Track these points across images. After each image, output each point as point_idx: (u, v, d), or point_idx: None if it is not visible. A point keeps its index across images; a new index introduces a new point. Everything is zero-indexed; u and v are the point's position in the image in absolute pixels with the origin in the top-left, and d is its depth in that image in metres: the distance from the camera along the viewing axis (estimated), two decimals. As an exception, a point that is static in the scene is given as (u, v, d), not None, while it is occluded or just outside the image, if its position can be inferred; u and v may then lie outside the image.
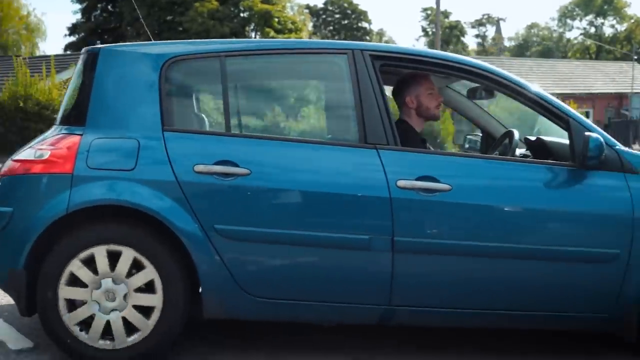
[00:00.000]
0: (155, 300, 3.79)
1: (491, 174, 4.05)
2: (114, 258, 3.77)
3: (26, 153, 3.95)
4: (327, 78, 4.71)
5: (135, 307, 3.80)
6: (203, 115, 4.62)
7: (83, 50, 4.26)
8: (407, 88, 4.61)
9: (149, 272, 3.77)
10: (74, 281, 3.77)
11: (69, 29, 47.78)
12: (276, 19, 41.43)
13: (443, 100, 5.20)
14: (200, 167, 3.79)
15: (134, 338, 3.80)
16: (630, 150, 4.16)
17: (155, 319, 3.80)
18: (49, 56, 23.32)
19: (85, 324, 3.79)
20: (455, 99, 5.49)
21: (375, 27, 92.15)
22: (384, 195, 3.81)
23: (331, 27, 70.71)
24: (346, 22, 69.76)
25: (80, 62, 4.19)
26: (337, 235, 3.83)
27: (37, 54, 43.17)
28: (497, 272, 3.93)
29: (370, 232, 3.83)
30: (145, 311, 3.80)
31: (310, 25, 45.19)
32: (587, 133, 3.90)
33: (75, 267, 3.75)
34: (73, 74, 4.31)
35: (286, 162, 3.92)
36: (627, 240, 3.90)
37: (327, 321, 4.20)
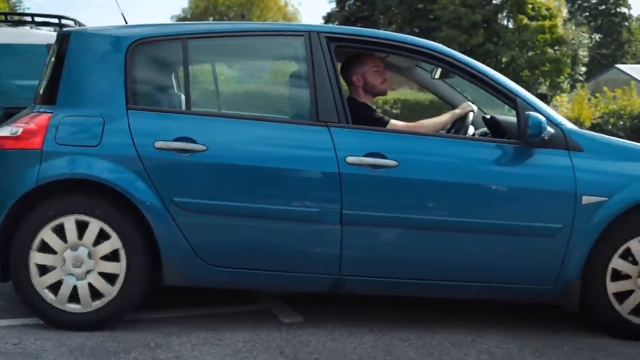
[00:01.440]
0: (119, 268, 4.09)
1: (438, 151, 4.28)
2: (83, 228, 4.07)
3: (3, 130, 4.24)
4: (284, 59, 4.97)
5: (101, 274, 4.10)
6: (177, 93, 4.86)
7: (57, 33, 4.56)
8: (354, 67, 4.80)
9: (114, 242, 4.07)
10: (45, 248, 4.07)
11: (324, 18, 49.81)
12: (530, 5, 39.93)
13: (416, 80, 5.48)
14: (159, 144, 4.06)
15: (98, 303, 4.11)
16: (577, 129, 4.39)
17: (119, 285, 4.10)
18: None
19: (54, 289, 4.10)
20: (425, 78, 5.67)
21: (635, 12, 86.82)
22: (333, 171, 4.06)
23: (587, 13, 66.36)
24: (603, 7, 65.71)
25: (54, 44, 4.48)
26: (288, 208, 4.10)
27: None
28: (443, 244, 4.17)
29: (320, 206, 4.09)
30: (110, 278, 4.10)
31: (565, 12, 43.70)
32: (527, 112, 4.11)
33: (46, 234, 4.05)
34: (49, 56, 4.63)
35: (241, 139, 4.16)
36: (569, 216, 4.12)
37: (281, 289, 4.51)
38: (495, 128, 4.69)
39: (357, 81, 4.79)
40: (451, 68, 4.48)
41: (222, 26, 4.76)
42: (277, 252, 4.17)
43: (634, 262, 4.22)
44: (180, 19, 52.69)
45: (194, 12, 52.44)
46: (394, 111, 17.09)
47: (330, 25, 5.23)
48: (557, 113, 4.48)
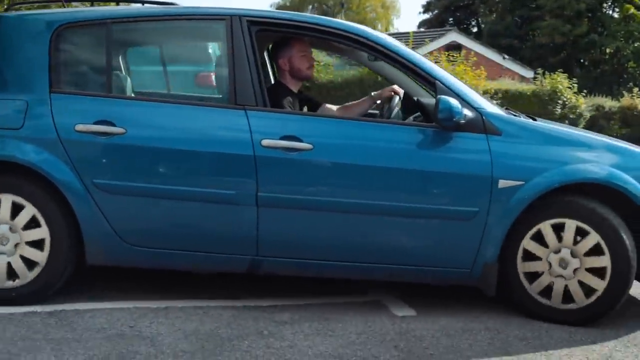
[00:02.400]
0: (41, 255, 4.21)
1: (354, 135, 4.29)
2: (18, 209, 4.20)
3: None
4: (206, 43, 4.99)
5: (23, 257, 4.22)
6: (122, 75, 4.83)
7: None
8: (281, 51, 4.83)
9: (40, 222, 4.19)
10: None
11: (423, 6, 49.69)
12: (638, -6, 38.39)
13: (360, 61, 5.57)
14: (80, 127, 4.15)
15: (13, 283, 4.22)
16: (498, 112, 4.35)
17: (36, 273, 4.22)
18: (407, 33, 24.16)
19: None
20: (366, 60, 5.45)
21: None
22: (249, 154, 4.12)
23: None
24: None
25: None
26: (206, 190, 4.18)
27: (391, 30, 45.45)
28: (358, 227, 4.22)
29: (236, 188, 4.17)
30: (30, 263, 4.22)
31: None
32: (439, 95, 4.13)
33: None
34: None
35: (160, 122, 4.26)
36: (485, 199, 4.15)
37: (201, 269, 4.56)
38: (423, 111, 4.64)
39: (283, 65, 4.83)
40: (372, 52, 4.48)
41: (145, 10, 4.69)
42: (196, 233, 4.25)
43: (545, 245, 4.22)
44: (280, 7, 53.10)
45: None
46: (495, 101, 16.70)
47: (253, 9, 5.22)
48: (480, 96, 4.48)
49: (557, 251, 4.22)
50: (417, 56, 4.48)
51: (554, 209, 4.22)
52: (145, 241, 4.25)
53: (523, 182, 4.13)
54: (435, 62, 15.58)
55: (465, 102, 4.23)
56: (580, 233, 4.21)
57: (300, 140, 4.14)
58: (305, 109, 4.97)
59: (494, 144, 4.18)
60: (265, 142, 4.12)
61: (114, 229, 4.20)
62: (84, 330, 3.87)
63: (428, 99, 4.68)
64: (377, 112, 5.23)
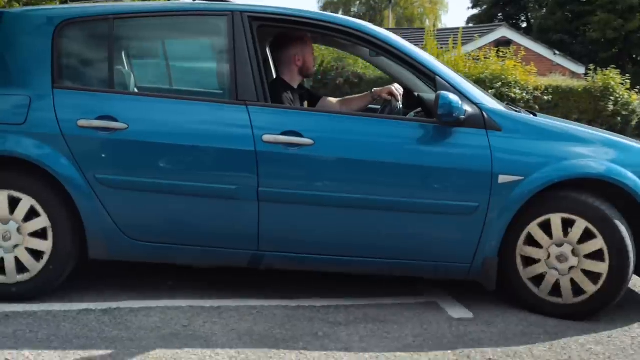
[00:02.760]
0: (46, 245, 4.22)
1: (356, 130, 4.27)
2: (15, 203, 4.22)
3: None
4: (208, 39, 4.98)
5: (28, 249, 4.24)
6: (126, 71, 4.80)
7: None
8: (294, 47, 4.84)
9: (43, 217, 4.20)
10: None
11: (472, 1, 49.19)
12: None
13: (360, 56, 5.54)
14: (82, 122, 4.17)
15: (23, 276, 4.24)
16: (498, 108, 4.36)
17: (45, 261, 4.23)
18: (455, 29, 24.12)
19: None
20: (367, 55, 5.44)
21: None
22: (250, 149, 4.13)
23: None
24: None
25: None
26: (207, 185, 4.18)
27: (439, 26, 45.41)
28: (359, 222, 4.23)
29: (237, 183, 4.17)
30: (37, 254, 4.24)
31: None
32: (439, 91, 4.14)
33: None
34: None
35: (162, 117, 4.24)
36: (485, 194, 4.15)
37: (202, 264, 4.60)
38: (424, 107, 4.69)
39: (297, 61, 4.85)
40: (372, 47, 4.50)
41: (147, 6, 4.67)
42: (197, 228, 4.25)
43: (545, 239, 4.26)
44: (327, 3, 53.11)
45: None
46: (546, 97, 16.41)
47: (254, 4, 5.18)
48: (481, 92, 4.47)
49: (560, 245, 4.24)
50: (418, 51, 4.48)
51: (556, 204, 4.24)
52: (147, 236, 4.28)
53: (523, 178, 4.14)
54: (485, 58, 15.32)
55: (465, 97, 4.25)
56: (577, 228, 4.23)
57: (301, 136, 4.15)
58: (305, 104, 5.02)
59: (494, 140, 4.19)
60: (266, 137, 4.14)
61: (116, 224, 4.23)
62: (138, 329, 3.86)
63: (429, 95, 4.68)
64: (378, 107, 5.23)
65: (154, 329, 3.88)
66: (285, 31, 4.83)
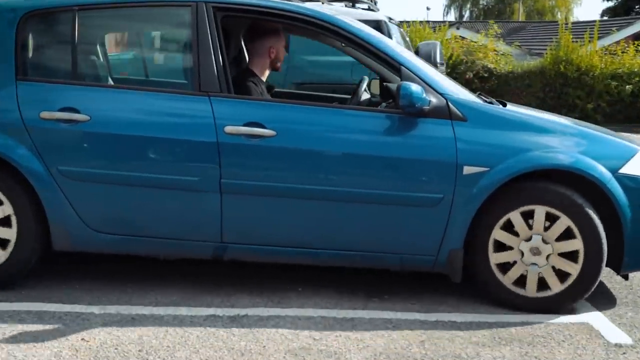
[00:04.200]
0: (10, 233, 4.19)
1: (318, 121, 4.22)
2: None
3: None
4: (171, 29, 4.97)
5: None
6: (88, 62, 4.70)
7: None
8: (269, 38, 4.78)
9: (6, 208, 4.17)
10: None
11: None
12: None
13: (331, 44, 5.25)
14: (45, 114, 4.15)
15: None
16: (465, 98, 4.25)
17: (10, 250, 4.20)
18: (591, 22, 23.81)
19: None
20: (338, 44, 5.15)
21: None
22: (212, 140, 4.08)
23: None
24: None
25: None
26: (169, 177, 4.14)
27: (571, 19, 44.93)
28: (321, 213, 4.17)
29: (199, 175, 4.13)
30: (2, 243, 4.21)
31: None
32: (402, 82, 4.06)
33: None
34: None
35: (125, 109, 4.21)
36: (450, 186, 4.06)
37: (165, 255, 4.46)
38: (392, 97, 4.51)
39: (271, 53, 4.80)
40: (337, 37, 4.43)
41: None
42: (160, 220, 4.22)
43: (516, 234, 4.14)
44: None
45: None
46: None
47: None
48: (450, 82, 4.40)
49: (528, 239, 4.14)
50: (385, 42, 4.41)
51: (525, 195, 4.13)
52: (110, 227, 4.25)
53: (488, 169, 4.06)
54: (622, 53, 14.59)
55: (431, 87, 4.17)
56: (550, 219, 4.13)
57: (263, 127, 4.10)
58: None
59: (459, 130, 4.11)
60: (228, 128, 4.09)
61: (79, 215, 4.20)
62: (268, 341, 3.64)
63: (395, 85, 4.41)
64: (348, 97, 5.21)
65: (284, 341, 3.66)
66: (260, 22, 4.79)
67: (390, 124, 4.20)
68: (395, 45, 4.47)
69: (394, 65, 4.26)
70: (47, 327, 3.76)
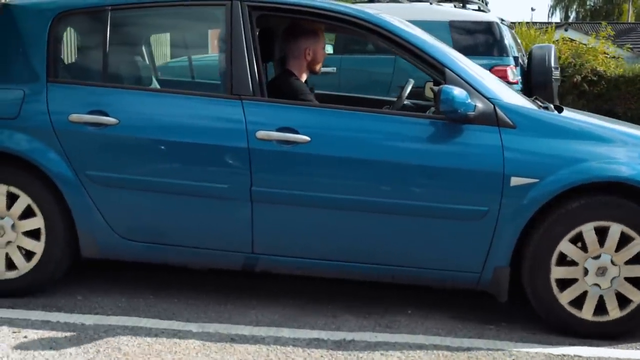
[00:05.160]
0: (38, 245, 4.09)
1: (355, 127, 3.98)
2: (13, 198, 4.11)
3: None
4: (206, 30, 4.73)
5: (20, 247, 4.12)
6: (120, 64, 4.59)
7: None
8: (305, 39, 4.53)
9: (38, 221, 4.08)
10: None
11: None
12: None
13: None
14: (73, 117, 4.02)
15: (12, 274, 4.13)
16: (515, 104, 3.96)
17: (36, 260, 4.10)
18: None
19: None
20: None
21: None
22: (242, 146, 3.89)
23: None
24: None
25: None
26: (198, 184, 3.97)
27: None
28: (358, 225, 3.93)
29: (229, 182, 3.94)
30: (28, 253, 4.12)
31: None
32: (443, 85, 3.79)
33: None
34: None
35: (154, 112, 4.05)
36: (496, 198, 3.77)
37: (195, 265, 4.35)
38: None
39: (307, 54, 4.54)
40: (378, 37, 4.13)
41: None
42: (189, 228, 4.06)
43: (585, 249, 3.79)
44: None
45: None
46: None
47: None
48: (500, 85, 4.14)
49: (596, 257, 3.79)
50: (429, 43, 4.12)
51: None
52: (138, 235, 4.12)
53: (537, 180, 3.74)
54: None
55: (477, 91, 3.88)
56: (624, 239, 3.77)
57: (296, 132, 3.88)
58: None
59: (507, 138, 3.81)
60: (259, 134, 3.89)
61: (107, 222, 4.08)
62: (377, 372, 3.35)
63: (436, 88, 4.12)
64: (393, 100, 4.98)
65: (393, 372, 3.36)
66: (298, 22, 4.57)
67: (432, 130, 3.96)
68: (441, 46, 4.22)
69: (438, 68, 3.98)
70: (141, 342, 3.58)
